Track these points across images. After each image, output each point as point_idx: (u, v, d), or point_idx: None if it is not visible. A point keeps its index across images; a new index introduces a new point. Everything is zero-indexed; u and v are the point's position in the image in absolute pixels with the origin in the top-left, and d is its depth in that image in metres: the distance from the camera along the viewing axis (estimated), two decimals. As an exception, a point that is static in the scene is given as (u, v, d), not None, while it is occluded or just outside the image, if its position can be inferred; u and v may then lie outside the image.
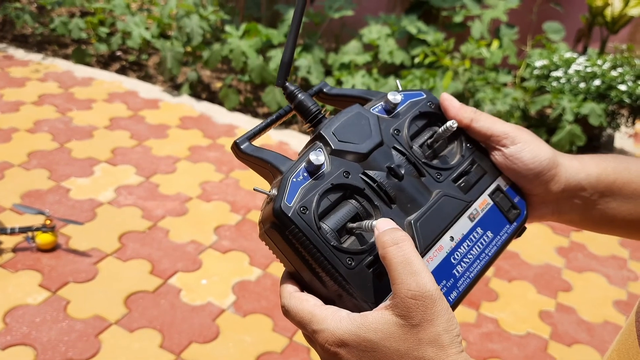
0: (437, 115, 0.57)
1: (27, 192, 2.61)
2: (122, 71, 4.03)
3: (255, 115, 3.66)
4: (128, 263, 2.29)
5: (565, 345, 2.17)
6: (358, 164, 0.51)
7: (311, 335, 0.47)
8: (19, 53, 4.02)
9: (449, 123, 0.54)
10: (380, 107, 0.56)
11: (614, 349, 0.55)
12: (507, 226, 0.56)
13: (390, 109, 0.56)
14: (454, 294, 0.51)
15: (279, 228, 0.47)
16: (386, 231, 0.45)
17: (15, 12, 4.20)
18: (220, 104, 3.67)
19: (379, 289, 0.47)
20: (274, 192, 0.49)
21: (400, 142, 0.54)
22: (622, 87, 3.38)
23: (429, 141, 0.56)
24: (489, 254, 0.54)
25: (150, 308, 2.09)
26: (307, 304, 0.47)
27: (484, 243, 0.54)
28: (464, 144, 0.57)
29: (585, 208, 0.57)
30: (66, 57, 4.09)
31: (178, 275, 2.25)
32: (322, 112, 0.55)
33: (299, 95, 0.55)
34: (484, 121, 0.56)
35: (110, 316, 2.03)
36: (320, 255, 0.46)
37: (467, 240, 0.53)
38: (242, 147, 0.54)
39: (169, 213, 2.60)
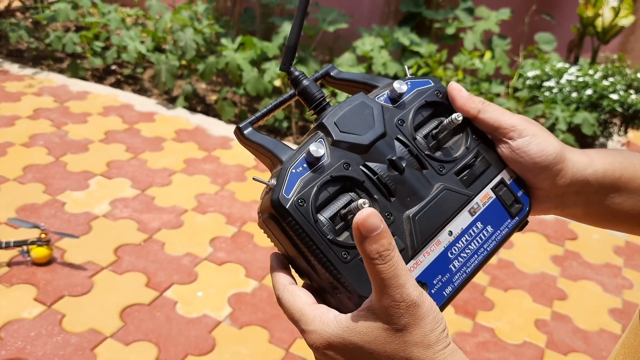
0: (444, 104, 0.56)
1: (22, 206, 2.61)
2: (117, 85, 4.04)
3: (251, 127, 3.67)
4: (124, 276, 2.28)
5: (561, 354, 2.17)
6: (359, 155, 0.51)
7: (301, 333, 0.47)
8: (14, 68, 4.03)
9: (454, 116, 0.53)
10: (385, 96, 0.55)
11: (619, 352, 0.55)
12: (509, 221, 0.55)
13: (395, 97, 0.55)
14: (448, 289, 0.51)
15: (276, 219, 0.47)
16: (372, 239, 0.42)
17: (10, 27, 4.22)
18: (215, 116, 3.69)
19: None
20: (273, 182, 0.49)
21: (404, 133, 0.53)
22: (614, 96, 3.41)
23: (434, 132, 0.54)
24: (488, 248, 0.53)
25: (146, 321, 2.09)
26: (299, 300, 0.48)
27: (483, 238, 0.53)
28: (469, 135, 0.55)
29: (589, 203, 0.57)
30: (61, 71, 4.10)
31: (174, 288, 2.25)
32: (326, 99, 0.54)
33: (304, 81, 0.55)
34: (492, 112, 0.54)
35: (106, 329, 2.03)
36: (317, 248, 0.47)
37: (465, 235, 0.52)
38: (244, 132, 0.53)
39: (164, 225, 2.60)
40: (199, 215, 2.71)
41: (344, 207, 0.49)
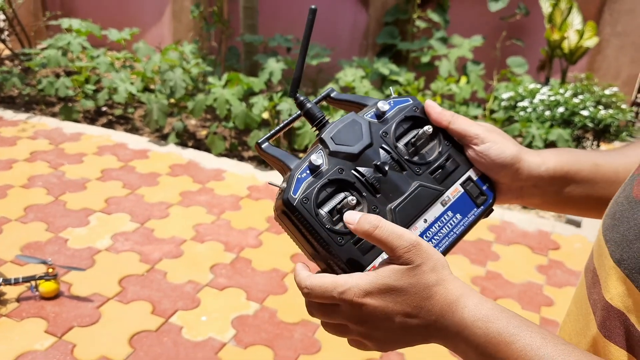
0: (421, 118, 0.69)
1: (26, 244, 2.69)
2: (109, 125, 4.16)
3: (241, 159, 3.80)
4: (129, 305, 2.37)
5: (552, 355, 2.28)
6: (351, 162, 0.64)
7: (338, 300, 0.58)
8: (8, 114, 4.14)
9: (425, 128, 0.66)
10: (372, 113, 0.68)
11: (572, 300, 0.68)
12: (475, 209, 0.68)
13: (380, 114, 0.67)
14: None
15: (287, 214, 0.61)
16: (360, 221, 0.57)
17: (2, 76, 4.34)
18: (207, 150, 3.82)
19: (361, 260, 0.61)
20: (284, 185, 0.62)
21: (387, 142, 0.66)
22: (585, 113, 3.61)
23: (412, 140, 0.67)
24: (457, 232, 0.67)
25: (154, 346, 2.17)
26: (327, 277, 0.60)
27: (452, 224, 0.66)
28: (442, 142, 0.68)
29: (545, 193, 0.70)
30: (54, 114, 4.22)
31: (178, 314, 2.34)
32: (326, 118, 0.69)
33: (307, 105, 0.68)
34: (460, 124, 0.68)
35: (116, 356, 2.10)
36: (318, 235, 0.61)
37: (438, 222, 0.65)
38: (262, 146, 0.67)
39: (165, 256, 2.69)
40: (198, 244, 2.81)
41: (339, 203, 0.63)
